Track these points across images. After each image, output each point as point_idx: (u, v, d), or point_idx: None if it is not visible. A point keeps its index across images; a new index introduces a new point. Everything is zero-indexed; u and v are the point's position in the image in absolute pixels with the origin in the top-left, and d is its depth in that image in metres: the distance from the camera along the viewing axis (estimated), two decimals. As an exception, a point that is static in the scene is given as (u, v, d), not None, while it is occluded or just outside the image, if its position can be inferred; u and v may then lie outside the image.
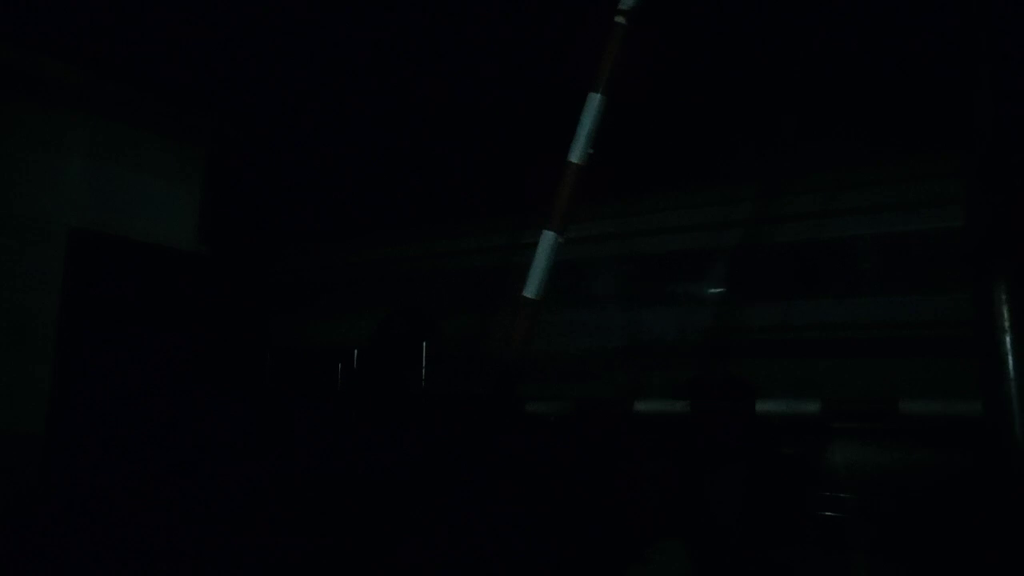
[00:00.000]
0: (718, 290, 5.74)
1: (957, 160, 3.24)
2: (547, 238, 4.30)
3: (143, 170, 6.90)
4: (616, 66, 4.33)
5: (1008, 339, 2.66)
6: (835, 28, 5.74)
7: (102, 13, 6.46)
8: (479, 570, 4.73)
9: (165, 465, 6.30)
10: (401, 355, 6.52)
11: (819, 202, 5.36)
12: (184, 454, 6.40)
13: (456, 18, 6.88)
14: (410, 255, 7.28)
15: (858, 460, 4.61)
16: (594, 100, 4.32)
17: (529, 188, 5.29)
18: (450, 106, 7.11)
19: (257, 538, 5.62)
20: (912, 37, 5.29)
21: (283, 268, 8.07)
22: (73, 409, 6.04)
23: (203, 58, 7.08)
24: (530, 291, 4.27)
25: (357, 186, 7.76)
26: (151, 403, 6.51)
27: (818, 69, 5.80)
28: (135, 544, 5.35)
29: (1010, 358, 2.65)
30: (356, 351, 6.44)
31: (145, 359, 6.52)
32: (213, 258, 7.26)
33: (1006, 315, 2.67)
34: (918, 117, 5.13)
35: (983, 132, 3.13)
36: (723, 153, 6.18)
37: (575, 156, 4.29)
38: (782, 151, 5.81)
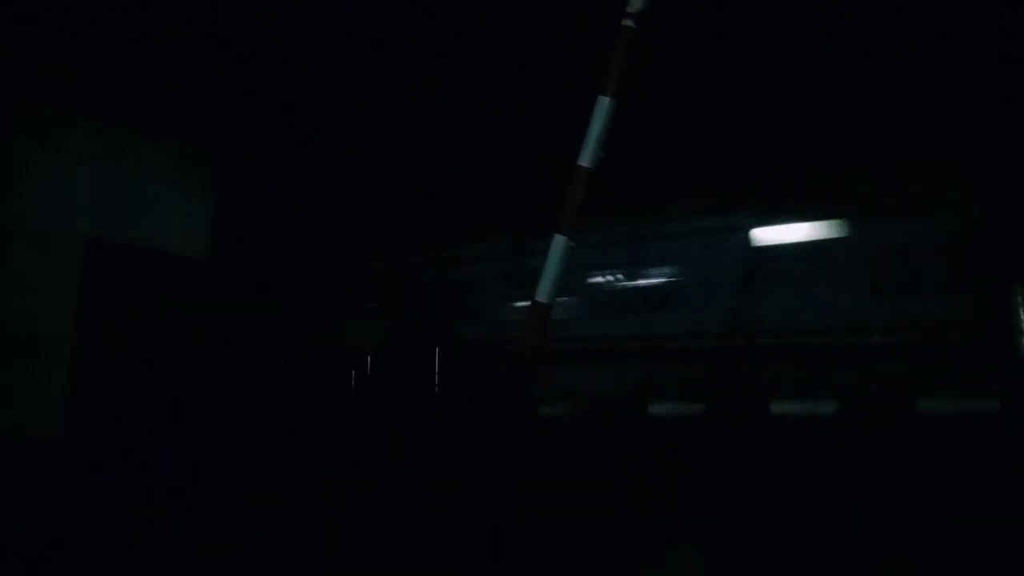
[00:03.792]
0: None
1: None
2: (558, 242, 4.32)
3: (153, 176, 6.90)
4: (625, 69, 4.34)
5: (1025, 340, 2.65)
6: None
7: (110, 15, 6.45)
8: (493, 569, 4.75)
9: (179, 468, 6.33)
10: (413, 359, 6.53)
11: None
12: (197, 457, 6.42)
13: (461, 21, 6.89)
14: (421, 259, 7.28)
15: (871, 460, 4.61)
16: (603, 103, 4.33)
17: (537, 191, 5.29)
18: (458, 109, 7.12)
19: (269, 539, 5.65)
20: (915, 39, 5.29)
21: (294, 272, 8.08)
22: (89, 413, 6.07)
23: (212, 63, 7.09)
24: (542, 295, 4.29)
25: (366, 190, 7.75)
26: (164, 407, 6.53)
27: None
28: (149, 546, 5.38)
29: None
30: (369, 356, 6.45)
31: (159, 364, 6.54)
32: (225, 264, 7.27)
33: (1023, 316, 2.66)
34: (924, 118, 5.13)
35: (993, 132, 3.14)
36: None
37: (585, 159, 4.30)
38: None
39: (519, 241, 6.39)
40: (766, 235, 5.63)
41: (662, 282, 5.90)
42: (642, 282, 6.01)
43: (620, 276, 6.09)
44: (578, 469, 5.24)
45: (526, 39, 6.68)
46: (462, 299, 6.83)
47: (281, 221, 8.02)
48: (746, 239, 5.64)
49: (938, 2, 5.22)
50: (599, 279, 6.14)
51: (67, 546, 5.43)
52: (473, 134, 7.14)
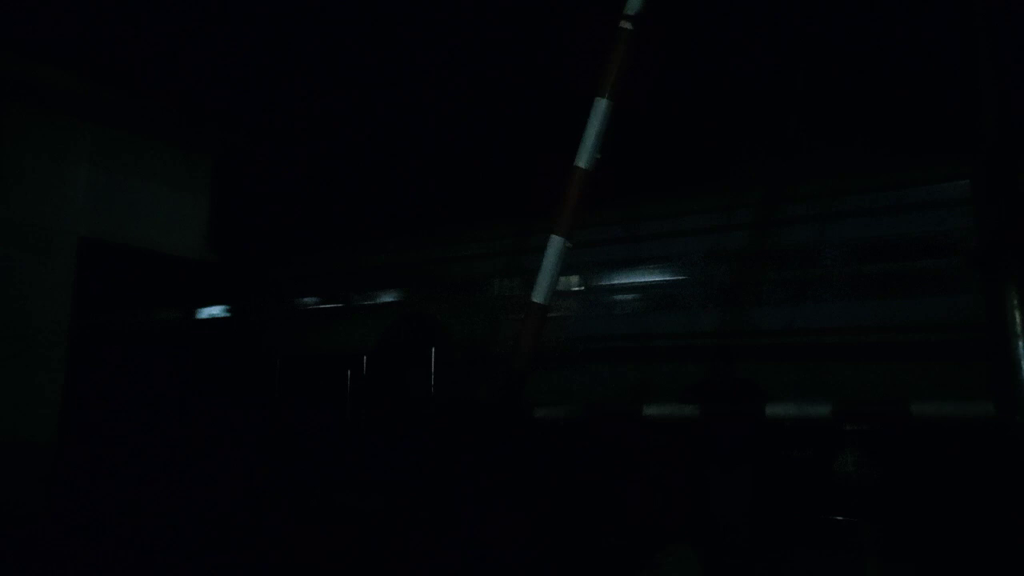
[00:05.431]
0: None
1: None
2: (555, 243, 4.30)
3: (149, 177, 6.89)
4: (622, 71, 4.33)
5: (1021, 344, 2.64)
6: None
7: (109, 20, 6.46)
8: (492, 569, 4.74)
9: (174, 471, 6.33)
10: (409, 361, 6.53)
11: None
12: (193, 457, 6.43)
13: (461, 24, 6.89)
14: (418, 260, 7.28)
15: (867, 462, 4.60)
16: (600, 105, 4.31)
17: (536, 193, 5.29)
18: (457, 112, 7.12)
19: (266, 542, 5.65)
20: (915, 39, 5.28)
21: (291, 274, 8.08)
22: (83, 417, 6.07)
23: (212, 67, 7.09)
24: (538, 296, 4.27)
25: (363, 192, 7.76)
26: (160, 408, 6.53)
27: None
28: (146, 547, 5.38)
29: (1023, 362, 2.63)
30: (365, 358, 6.44)
31: (154, 365, 6.54)
32: (222, 265, 7.27)
33: (1018, 320, 2.65)
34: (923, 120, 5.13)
35: (989, 134, 3.12)
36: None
37: (582, 161, 4.29)
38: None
39: (517, 242, 6.39)
40: (764, 235, 5.63)
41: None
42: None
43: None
44: (575, 470, 5.24)
45: (526, 39, 6.68)
46: (460, 300, 6.84)
47: (278, 223, 8.03)
48: (743, 239, 5.64)
49: (938, 2, 5.21)
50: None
51: (63, 548, 5.43)
52: (473, 135, 7.15)
